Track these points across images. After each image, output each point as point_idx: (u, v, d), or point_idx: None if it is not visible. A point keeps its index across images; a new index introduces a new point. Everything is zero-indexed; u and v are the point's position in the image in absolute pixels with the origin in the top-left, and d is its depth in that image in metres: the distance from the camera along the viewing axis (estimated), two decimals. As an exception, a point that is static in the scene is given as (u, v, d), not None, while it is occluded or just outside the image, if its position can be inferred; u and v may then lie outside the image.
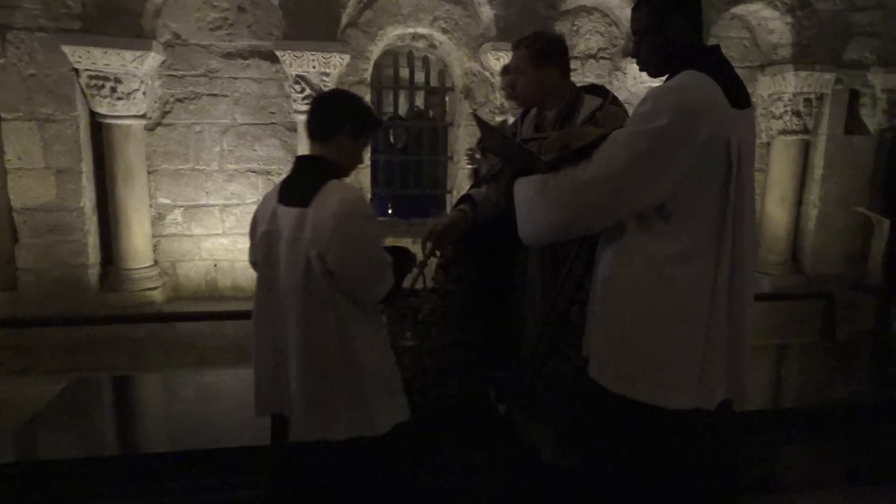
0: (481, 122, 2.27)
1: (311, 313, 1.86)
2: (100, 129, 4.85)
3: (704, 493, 1.83)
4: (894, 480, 2.96)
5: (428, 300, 2.50)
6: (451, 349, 2.61)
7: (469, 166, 3.43)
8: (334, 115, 1.94)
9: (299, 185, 1.92)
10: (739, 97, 1.71)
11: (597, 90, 2.46)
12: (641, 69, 1.87)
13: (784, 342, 5.13)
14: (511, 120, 3.09)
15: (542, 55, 2.34)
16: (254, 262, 2.05)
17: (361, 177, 5.46)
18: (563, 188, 1.75)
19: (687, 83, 1.67)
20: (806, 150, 5.97)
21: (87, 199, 4.88)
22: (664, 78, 1.81)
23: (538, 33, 2.45)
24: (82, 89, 4.71)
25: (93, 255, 4.97)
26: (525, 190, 1.87)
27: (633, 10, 1.85)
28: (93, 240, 4.97)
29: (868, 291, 5.59)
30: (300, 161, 2.04)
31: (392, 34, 5.39)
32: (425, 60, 5.88)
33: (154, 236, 5.17)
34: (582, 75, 5.56)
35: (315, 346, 1.88)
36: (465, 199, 2.54)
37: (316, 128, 1.96)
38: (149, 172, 5.08)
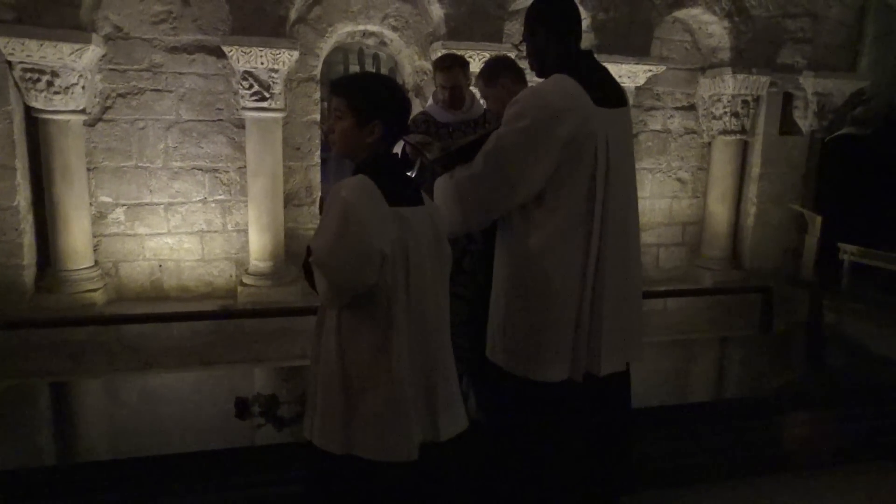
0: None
1: (447, 304, 1.91)
2: (36, 125, 4.66)
3: (590, 472, 2.05)
4: (811, 467, 3.11)
5: None
6: None
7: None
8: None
9: (407, 185, 1.86)
10: (609, 98, 1.93)
11: None
12: (530, 69, 2.13)
13: (725, 335, 5.34)
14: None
15: (490, 73, 2.68)
16: (376, 281, 1.72)
17: (312, 174, 5.41)
18: (455, 187, 1.95)
19: (550, 85, 1.90)
20: (744, 149, 6.22)
21: (22, 198, 4.67)
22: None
23: (494, 56, 2.89)
24: (16, 82, 4.51)
25: (28, 255, 4.76)
26: (436, 189, 2.06)
27: None
28: (28, 239, 4.76)
29: (802, 285, 5.86)
30: (394, 160, 1.91)
31: (342, 31, 5.35)
32: (376, 58, 5.87)
33: (95, 236, 4.99)
34: (531, 74, 5.63)
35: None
36: None
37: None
38: (89, 170, 4.90)
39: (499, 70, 2.65)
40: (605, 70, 2.03)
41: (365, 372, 1.73)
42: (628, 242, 2.01)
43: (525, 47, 2.07)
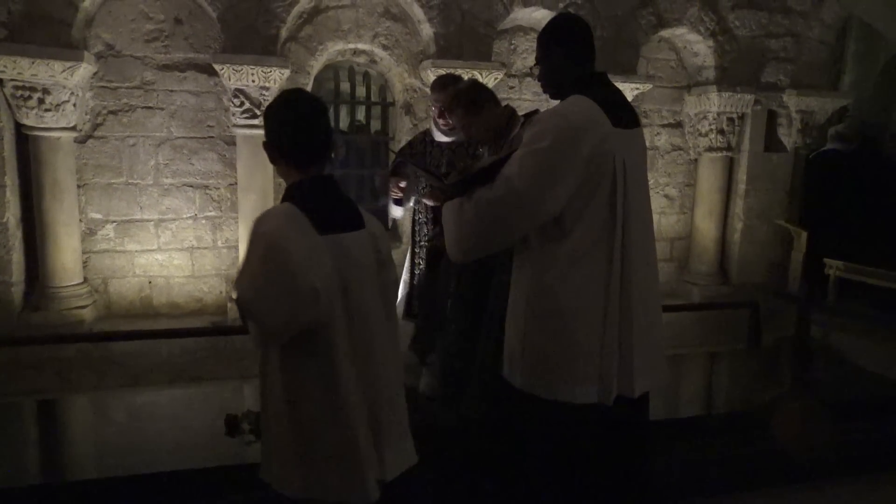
0: (399, 155, 2.50)
1: (396, 332, 1.87)
2: (26, 141, 4.66)
3: (616, 492, 1.97)
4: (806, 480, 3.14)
5: None
6: None
7: (393, 196, 3.35)
8: (330, 133, 1.77)
9: (345, 209, 1.74)
10: (624, 118, 1.93)
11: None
12: (543, 91, 2.12)
13: (714, 350, 5.37)
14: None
15: (475, 102, 2.64)
16: (312, 319, 1.61)
17: (302, 191, 5.42)
18: (473, 209, 1.91)
19: (569, 106, 1.90)
20: (730, 166, 6.31)
21: (12, 214, 4.66)
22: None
23: (464, 85, 2.78)
24: (7, 100, 4.52)
25: (16, 272, 4.74)
26: (448, 213, 2.01)
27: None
28: (17, 256, 4.74)
29: (789, 299, 5.91)
30: (327, 183, 1.75)
31: (333, 49, 5.41)
32: (366, 75, 5.92)
33: (84, 252, 4.98)
34: (520, 93, 5.72)
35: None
36: None
37: (324, 151, 1.74)
38: (79, 186, 4.90)
39: (482, 96, 2.68)
40: (620, 91, 2.04)
41: (315, 412, 1.63)
42: (648, 261, 2.00)
43: (538, 69, 2.06)
